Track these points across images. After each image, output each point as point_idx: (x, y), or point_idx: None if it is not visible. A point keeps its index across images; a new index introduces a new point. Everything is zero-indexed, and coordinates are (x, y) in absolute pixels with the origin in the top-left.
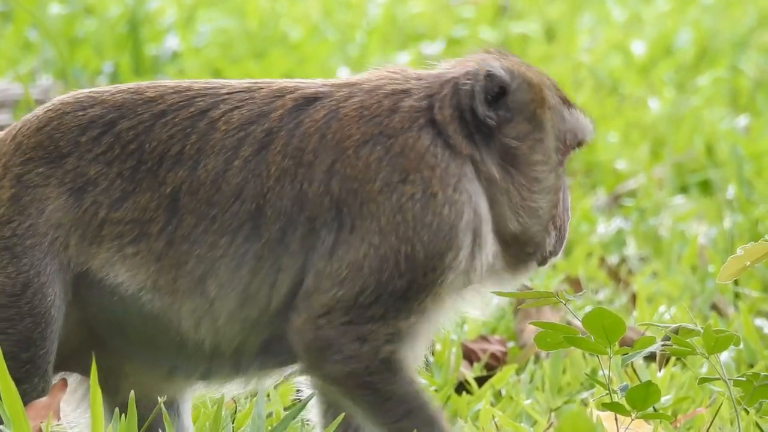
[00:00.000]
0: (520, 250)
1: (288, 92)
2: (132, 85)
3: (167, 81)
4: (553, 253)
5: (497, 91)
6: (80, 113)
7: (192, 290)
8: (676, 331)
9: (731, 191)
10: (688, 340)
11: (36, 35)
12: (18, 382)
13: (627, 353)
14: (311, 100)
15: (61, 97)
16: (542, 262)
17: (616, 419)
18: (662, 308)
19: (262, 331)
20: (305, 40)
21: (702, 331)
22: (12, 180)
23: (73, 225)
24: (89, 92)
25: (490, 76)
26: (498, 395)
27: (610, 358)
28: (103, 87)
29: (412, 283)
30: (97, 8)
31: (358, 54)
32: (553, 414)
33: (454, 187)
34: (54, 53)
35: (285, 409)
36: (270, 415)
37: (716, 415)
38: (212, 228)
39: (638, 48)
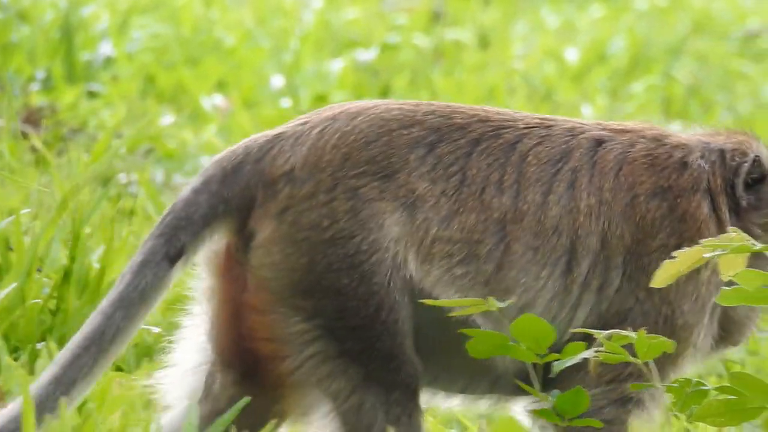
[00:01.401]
0: (727, 335)
1: (579, 132)
2: (433, 106)
3: (464, 106)
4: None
5: (757, 177)
6: (405, 132)
7: (513, 318)
8: (610, 337)
9: None
10: (621, 345)
11: None
12: (398, 387)
13: (557, 360)
14: (599, 141)
15: (371, 112)
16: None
17: (543, 426)
18: None
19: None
20: (239, 46)
21: (636, 337)
22: (347, 192)
23: (408, 241)
24: (399, 109)
25: (757, 160)
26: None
27: (540, 365)
28: (404, 103)
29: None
30: (30, 14)
31: (291, 60)
32: (483, 421)
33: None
34: None
35: None
36: None
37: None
38: (536, 258)
39: (572, 55)
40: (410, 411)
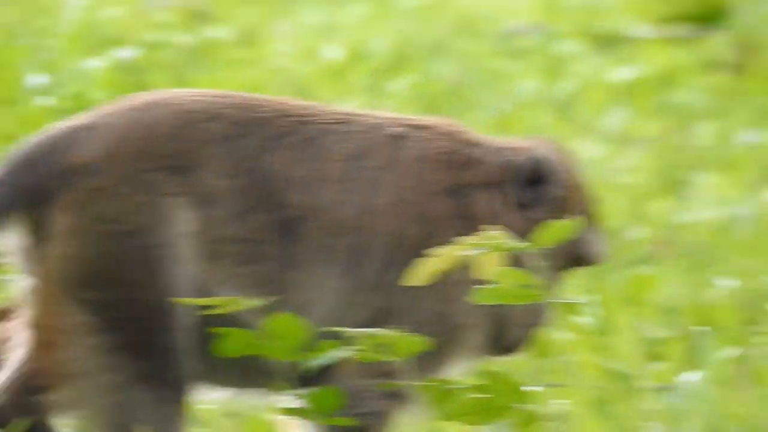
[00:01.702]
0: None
1: (381, 128)
2: (238, 98)
3: (266, 98)
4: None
5: (536, 177)
6: (204, 126)
7: (300, 316)
8: (364, 336)
9: None
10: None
11: None
12: (171, 385)
13: (311, 358)
14: (400, 138)
15: (172, 101)
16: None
17: (294, 425)
18: None
19: None
20: (0, 45)
21: (393, 335)
22: (142, 186)
23: (198, 238)
24: (203, 101)
25: (536, 162)
26: None
27: (293, 363)
28: (209, 94)
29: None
30: None
31: (52, 59)
32: (237, 419)
33: None
34: None
35: None
36: None
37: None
38: (321, 257)
39: (333, 53)
40: (180, 409)
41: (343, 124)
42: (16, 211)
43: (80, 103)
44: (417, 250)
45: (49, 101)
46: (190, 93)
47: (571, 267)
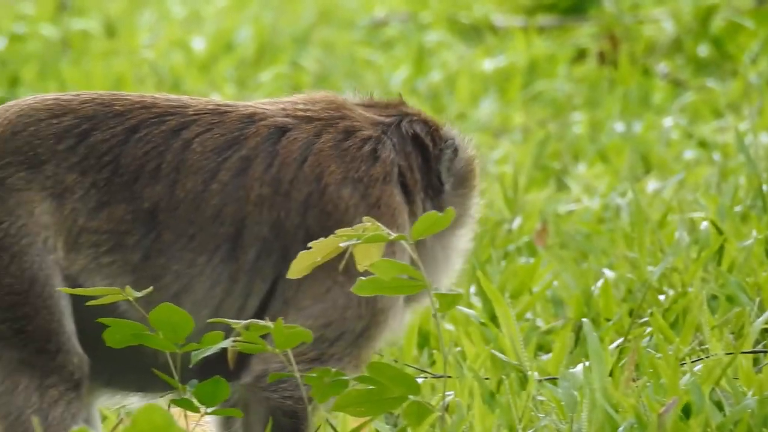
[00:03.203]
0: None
1: (258, 119)
2: (93, 94)
3: (128, 94)
4: None
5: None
6: (55, 121)
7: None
8: (248, 327)
9: None
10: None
11: None
12: (55, 372)
13: (195, 350)
14: (283, 130)
15: (27, 102)
16: None
17: (185, 416)
18: None
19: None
20: None
21: (273, 326)
22: None
23: (57, 229)
24: (55, 99)
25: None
26: None
27: (178, 354)
28: (64, 94)
29: (366, 329)
30: None
31: None
32: (122, 410)
33: None
34: None
35: None
36: None
37: None
38: (191, 246)
39: (199, 44)
40: (69, 399)
41: (214, 114)
42: None
43: None
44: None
45: None
46: (38, 96)
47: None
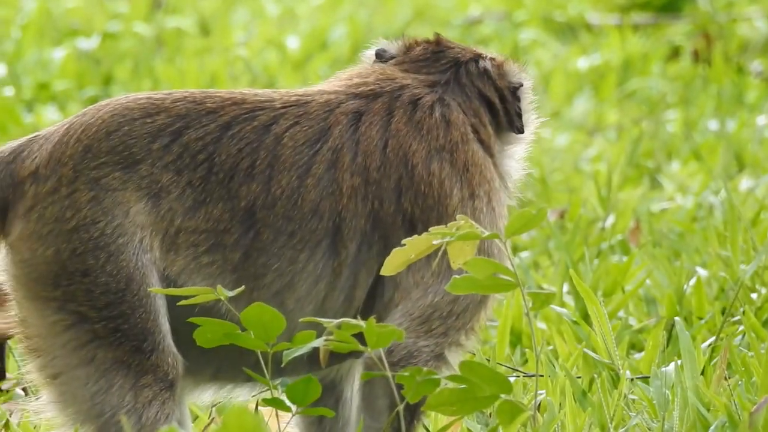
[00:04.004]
0: None
1: (334, 106)
2: (185, 92)
3: (218, 90)
4: None
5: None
6: (149, 120)
7: (269, 302)
8: (339, 326)
9: None
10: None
11: None
12: (150, 371)
13: (287, 349)
14: (358, 114)
15: (120, 102)
16: None
17: (276, 415)
18: None
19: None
20: None
21: (365, 326)
22: (88, 183)
23: (153, 229)
24: (147, 98)
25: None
26: None
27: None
28: (156, 93)
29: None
30: None
31: (13, 49)
32: (214, 409)
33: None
34: None
35: None
36: None
37: None
38: (291, 243)
39: (293, 43)
40: (163, 399)
41: (298, 106)
42: None
43: (43, 93)
44: (414, 222)
45: (10, 91)
46: (130, 95)
47: None
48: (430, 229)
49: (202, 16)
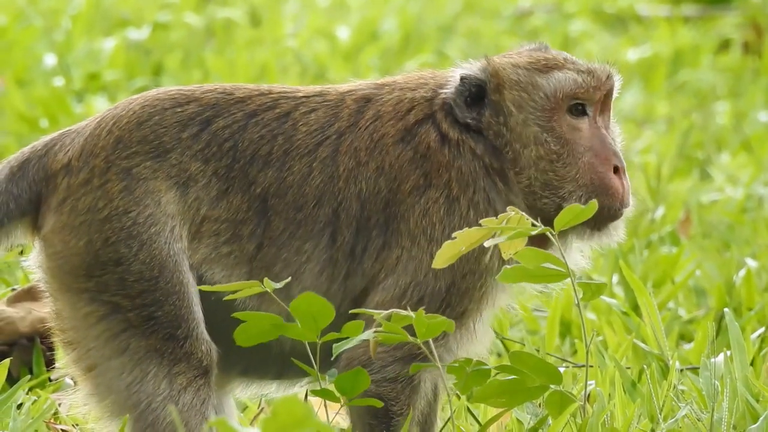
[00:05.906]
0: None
1: (349, 94)
2: (216, 85)
3: (248, 84)
4: (616, 208)
5: (473, 94)
6: (179, 109)
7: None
8: (389, 318)
9: None
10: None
11: None
12: (184, 359)
13: (336, 339)
14: (367, 100)
15: (150, 94)
16: (610, 218)
17: (326, 405)
18: None
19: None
20: (10, 26)
21: (414, 317)
22: (120, 174)
23: (182, 218)
24: (178, 90)
25: (464, 78)
26: None
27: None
28: (186, 86)
29: (451, 287)
30: None
31: (63, 39)
32: (263, 399)
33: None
34: None
35: None
36: None
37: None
38: (298, 232)
39: (343, 33)
40: (198, 386)
41: (320, 95)
42: (9, 218)
43: (93, 83)
44: (387, 204)
45: (60, 82)
46: (161, 88)
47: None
48: (480, 221)
49: (252, 6)
